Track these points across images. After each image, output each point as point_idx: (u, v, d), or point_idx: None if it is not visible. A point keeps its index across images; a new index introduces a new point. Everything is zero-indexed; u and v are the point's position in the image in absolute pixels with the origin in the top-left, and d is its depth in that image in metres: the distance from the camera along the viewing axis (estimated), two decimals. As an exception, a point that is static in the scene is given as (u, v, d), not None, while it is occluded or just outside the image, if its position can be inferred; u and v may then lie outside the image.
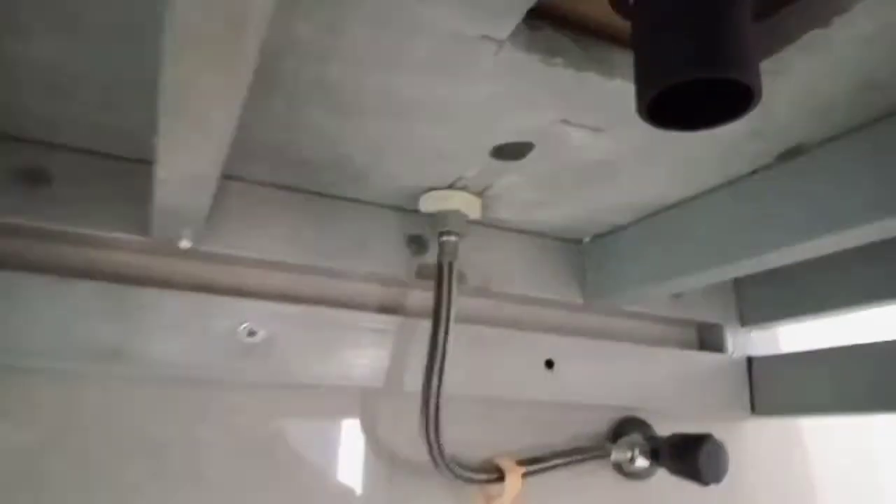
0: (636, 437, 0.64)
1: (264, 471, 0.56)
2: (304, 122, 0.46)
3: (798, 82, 0.38)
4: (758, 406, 0.70)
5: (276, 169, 0.55)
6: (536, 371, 0.64)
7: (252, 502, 0.55)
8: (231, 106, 0.32)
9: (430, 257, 0.59)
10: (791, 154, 0.46)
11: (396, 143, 0.49)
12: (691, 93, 0.31)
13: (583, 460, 0.63)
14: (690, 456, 0.56)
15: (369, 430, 0.60)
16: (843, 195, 0.43)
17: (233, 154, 0.52)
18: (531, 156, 0.49)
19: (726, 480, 0.59)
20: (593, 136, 0.46)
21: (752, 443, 0.76)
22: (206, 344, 0.53)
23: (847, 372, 0.62)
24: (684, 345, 0.76)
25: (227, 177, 0.55)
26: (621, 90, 0.39)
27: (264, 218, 0.57)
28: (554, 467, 0.61)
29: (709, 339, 0.76)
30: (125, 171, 0.52)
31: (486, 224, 0.65)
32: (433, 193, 0.57)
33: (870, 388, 0.60)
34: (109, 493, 0.51)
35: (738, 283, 0.75)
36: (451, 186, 0.56)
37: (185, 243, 0.51)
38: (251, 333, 0.53)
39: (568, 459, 0.62)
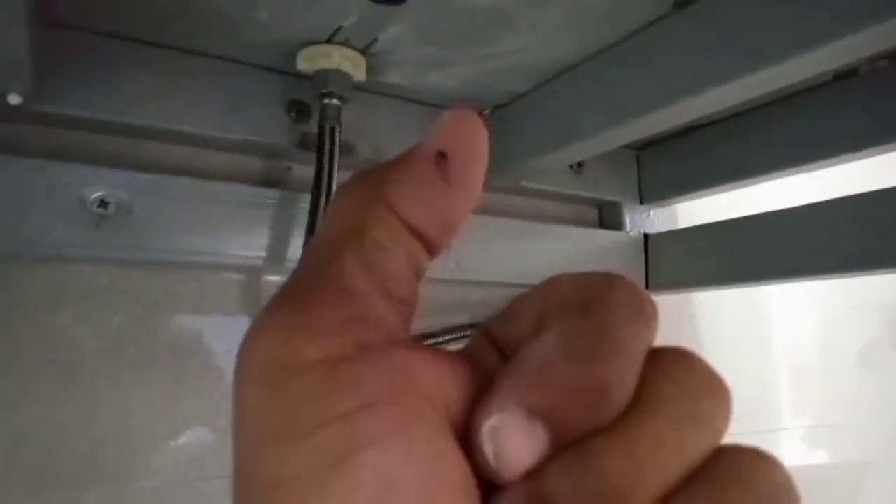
0: (530, 312, 0.64)
1: (134, 358, 0.52)
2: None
3: None
4: (651, 283, 0.71)
5: (128, 18, 0.48)
6: (431, 248, 0.61)
7: (119, 396, 0.51)
8: None
9: (315, 126, 0.54)
10: (687, 1, 0.43)
11: (259, -19, 0.42)
12: None
13: (477, 336, 0.62)
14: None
15: (249, 310, 0.57)
16: (733, 45, 0.40)
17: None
18: (413, 0, 0.44)
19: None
20: (479, -25, 0.41)
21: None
22: (54, 217, 0.47)
23: (736, 244, 0.62)
24: (585, 224, 0.74)
25: (66, 26, 0.47)
26: None
27: (118, 76, 0.50)
28: (446, 342, 0.59)
29: (608, 218, 0.75)
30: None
31: (376, 91, 0.60)
32: (311, 49, 0.51)
33: (759, 258, 0.60)
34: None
35: (640, 160, 0.73)
36: (330, 41, 0.50)
37: (14, 98, 0.44)
38: (103, 204, 0.47)
39: (461, 335, 0.60)
